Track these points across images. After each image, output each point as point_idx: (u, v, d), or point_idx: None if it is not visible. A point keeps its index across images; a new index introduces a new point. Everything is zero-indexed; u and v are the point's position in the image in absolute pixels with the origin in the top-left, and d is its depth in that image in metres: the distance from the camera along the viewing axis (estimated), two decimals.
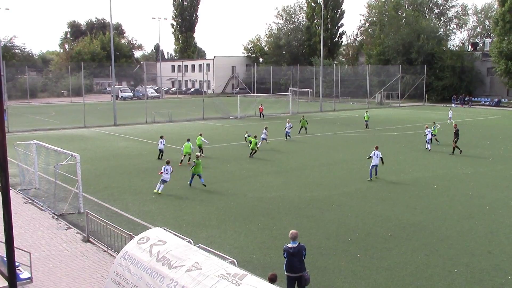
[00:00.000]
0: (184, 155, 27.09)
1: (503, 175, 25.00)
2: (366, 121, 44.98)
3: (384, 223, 16.96)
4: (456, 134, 30.90)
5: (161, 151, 28.94)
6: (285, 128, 36.97)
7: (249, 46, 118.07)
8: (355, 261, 13.61)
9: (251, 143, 29.73)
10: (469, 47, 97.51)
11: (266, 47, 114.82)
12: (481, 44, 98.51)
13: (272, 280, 9.32)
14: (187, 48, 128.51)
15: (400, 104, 75.97)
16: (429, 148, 32.11)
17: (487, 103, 77.15)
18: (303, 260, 10.79)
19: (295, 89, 72.22)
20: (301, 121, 40.94)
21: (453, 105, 74.78)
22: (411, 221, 17.23)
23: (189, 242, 10.06)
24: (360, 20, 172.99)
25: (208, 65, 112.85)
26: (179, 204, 19.35)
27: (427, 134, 32.41)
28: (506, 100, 77.47)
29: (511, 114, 61.70)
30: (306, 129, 40.84)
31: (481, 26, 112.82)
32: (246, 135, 34.39)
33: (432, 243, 15.04)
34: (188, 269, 8.34)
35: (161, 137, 29.48)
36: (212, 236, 15.59)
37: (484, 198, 20.40)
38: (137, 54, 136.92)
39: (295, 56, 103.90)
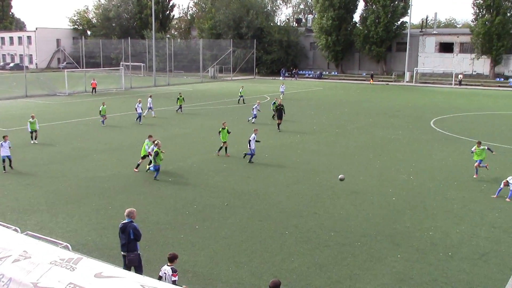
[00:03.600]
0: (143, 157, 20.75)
1: (325, 141, 27.38)
2: (241, 96, 44.32)
3: (220, 193, 17.52)
4: (280, 110, 31.03)
5: (7, 159, 20.39)
6: (254, 108, 33.89)
7: (75, 18, 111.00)
8: (193, 233, 13.88)
9: (220, 134, 23.71)
10: (294, 23, 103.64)
11: (94, 19, 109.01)
12: (304, 20, 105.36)
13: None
14: (3, 18, 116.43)
15: (233, 78, 78.25)
16: (252, 121, 33.41)
17: (311, 75, 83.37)
18: (132, 239, 10.40)
19: (127, 63, 70.22)
20: (178, 99, 38.43)
21: (281, 78, 79.20)
22: (246, 190, 18.05)
23: (15, 230, 9.32)
24: None
25: (29, 37, 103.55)
26: (1, 190, 17.72)
27: (253, 109, 33.73)
28: (327, 72, 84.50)
29: (332, 86, 67.46)
30: (181, 107, 38.28)
31: (304, 3, 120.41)
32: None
33: (265, 208, 15.97)
34: (16, 259, 7.74)
35: (4, 137, 20.45)
36: (42, 222, 14.62)
37: (310, 163, 22.14)
38: None
39: (126, 29, 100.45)
